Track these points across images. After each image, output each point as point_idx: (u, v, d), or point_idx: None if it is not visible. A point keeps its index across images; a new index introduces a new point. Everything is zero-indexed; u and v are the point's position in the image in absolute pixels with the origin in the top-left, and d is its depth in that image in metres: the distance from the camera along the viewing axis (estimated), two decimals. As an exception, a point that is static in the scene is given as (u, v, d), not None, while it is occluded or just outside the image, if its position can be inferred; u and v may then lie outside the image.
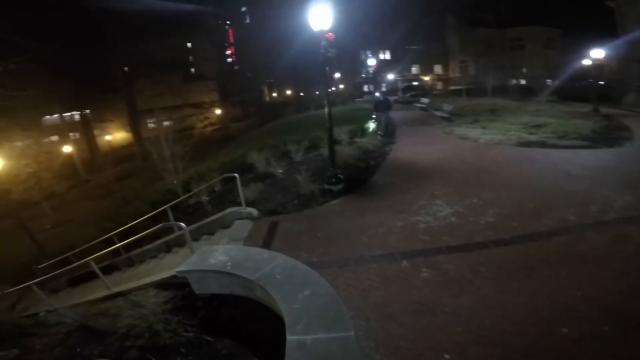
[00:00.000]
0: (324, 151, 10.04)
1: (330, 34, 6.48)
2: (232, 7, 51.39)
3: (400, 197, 6.94)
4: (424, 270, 4.26)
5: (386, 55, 46.58)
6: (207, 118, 43.72)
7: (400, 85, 38.72)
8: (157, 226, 4.87)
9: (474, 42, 37.22)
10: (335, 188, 7.49)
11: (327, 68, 6.82)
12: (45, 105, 33.73)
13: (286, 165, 8.91)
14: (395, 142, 12.16)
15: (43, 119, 38.96)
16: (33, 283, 5.80)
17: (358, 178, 8.28)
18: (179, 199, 7.56)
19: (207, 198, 7.92)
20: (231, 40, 53.04)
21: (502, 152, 9.63)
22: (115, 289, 5.21)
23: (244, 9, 54.92)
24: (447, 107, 17.71)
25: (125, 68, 33.00)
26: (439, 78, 44.44)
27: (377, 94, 14.49)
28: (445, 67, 43.64)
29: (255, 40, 48.47)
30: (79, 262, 5.66)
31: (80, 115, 36.77)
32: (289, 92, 59.18)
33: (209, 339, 3.49)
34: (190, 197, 8.32)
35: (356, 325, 3.30)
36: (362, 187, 7.87)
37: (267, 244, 5.56)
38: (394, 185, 7.80)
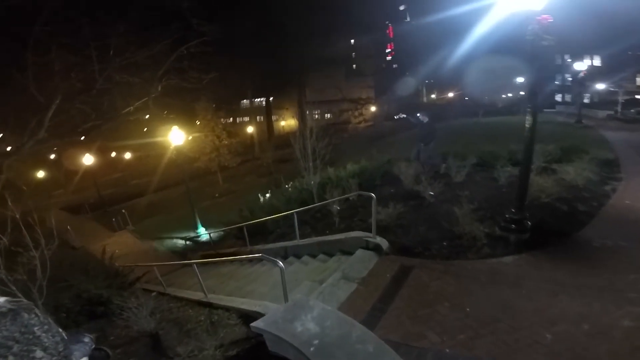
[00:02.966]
0: (499, 174, 7.33)
1: (545, 15, 4.14)
2: (393, 5, 50.13)
3: (634, 276, 3.98)
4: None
5: (594, 61, 35.42)
6: (361, 114, 44.44)
7: (620, 98, 28.48)
8: (255, 255, 4.11)
9: None
10: (514, 237, 4.98)
11: (535, 62, 4.37)
12: (242, 91, 41.97)
13: (441, 186, 6.78)
14: (622, 179, 7.92)
15: (241, 102, 49.06)
16: (156, 265, 6.10)
17: (554, 228, 5.38)
18: (307, 207, 6.76)
19: (338, 208, 6.80)
20: (391, 36, 51.91)
21: None
22: (210, 297, 4.95)
23: (402, 7, 52.82)
24: None
25: (300, 62, 36.78)
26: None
27: (419, 116, 9.56)
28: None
29: (416, 38, 45.60)
30: (185, 261, 5.65)
31: (266, 101, 43.97)
32: (450, 94, 53.79)
33: None
34: (321, 201, 7.48)
35: None
36: (559, 244, 5.01)
37: (386, 300, 3.96)
38: (621, 251, 4.66)
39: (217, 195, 19.73)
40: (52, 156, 35.16)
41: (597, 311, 3.41)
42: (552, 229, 5.35)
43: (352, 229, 6.00)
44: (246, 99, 48.66)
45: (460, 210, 5.45)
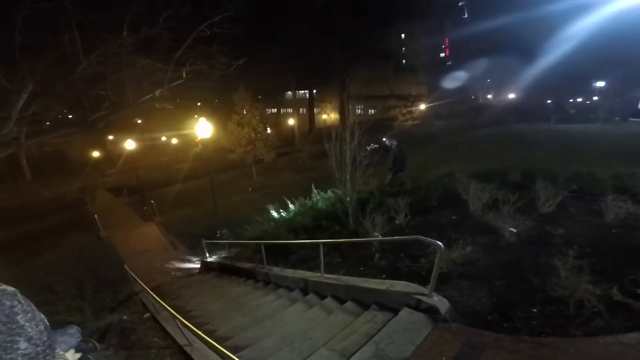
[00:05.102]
0: (606, 208, 5.23)
1: None
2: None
3: None
4: None
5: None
6: (409, 112, 41.57)
7: None
8: (226, 354, 2.64)
9: None
10: (644, 309, 3.10)
11: None
12: (285, 83, 41.33)
13: (526, 219, 4.91)
14: None
15: (286, 94, 48.63)
16: (148, 291, 4.99)
17: None
18: (338, 240, 5.27)
19: (379, 235, 5.24)
20: (446, 34, 47.94)
21: None
22: (195, 348, 3.71)
23: (461, 3, 48.64)
24: None
25: (346, 55, 35.10)
26: None
27: (385, 140, 8.20)
28: None
29: (474, 34, 41.51)
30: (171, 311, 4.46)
31: (309, 94, 43.00)
32: (511, 95, 48.90)
33: None
34: (358, 223, 5.94)
35: None
36: None
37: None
38: None
39: (249, 189, 18.98)
40: (111, 137, 37.15)
41: None
42: None
43: (397, 270, 4.43)
44: (289, 90, 48.05)
45: (561, 263, 3.63)
